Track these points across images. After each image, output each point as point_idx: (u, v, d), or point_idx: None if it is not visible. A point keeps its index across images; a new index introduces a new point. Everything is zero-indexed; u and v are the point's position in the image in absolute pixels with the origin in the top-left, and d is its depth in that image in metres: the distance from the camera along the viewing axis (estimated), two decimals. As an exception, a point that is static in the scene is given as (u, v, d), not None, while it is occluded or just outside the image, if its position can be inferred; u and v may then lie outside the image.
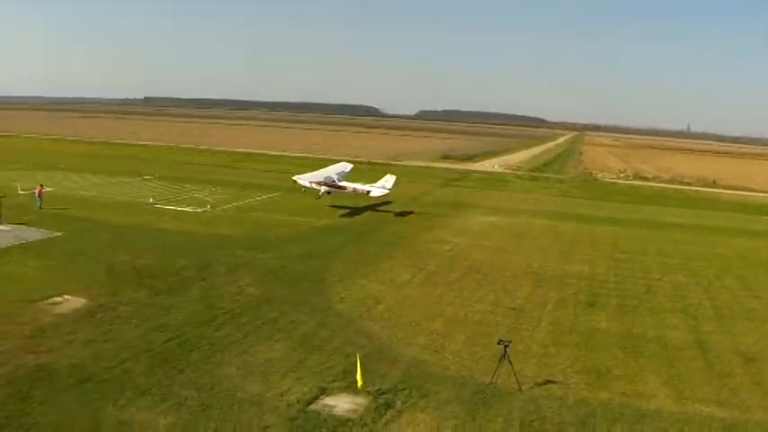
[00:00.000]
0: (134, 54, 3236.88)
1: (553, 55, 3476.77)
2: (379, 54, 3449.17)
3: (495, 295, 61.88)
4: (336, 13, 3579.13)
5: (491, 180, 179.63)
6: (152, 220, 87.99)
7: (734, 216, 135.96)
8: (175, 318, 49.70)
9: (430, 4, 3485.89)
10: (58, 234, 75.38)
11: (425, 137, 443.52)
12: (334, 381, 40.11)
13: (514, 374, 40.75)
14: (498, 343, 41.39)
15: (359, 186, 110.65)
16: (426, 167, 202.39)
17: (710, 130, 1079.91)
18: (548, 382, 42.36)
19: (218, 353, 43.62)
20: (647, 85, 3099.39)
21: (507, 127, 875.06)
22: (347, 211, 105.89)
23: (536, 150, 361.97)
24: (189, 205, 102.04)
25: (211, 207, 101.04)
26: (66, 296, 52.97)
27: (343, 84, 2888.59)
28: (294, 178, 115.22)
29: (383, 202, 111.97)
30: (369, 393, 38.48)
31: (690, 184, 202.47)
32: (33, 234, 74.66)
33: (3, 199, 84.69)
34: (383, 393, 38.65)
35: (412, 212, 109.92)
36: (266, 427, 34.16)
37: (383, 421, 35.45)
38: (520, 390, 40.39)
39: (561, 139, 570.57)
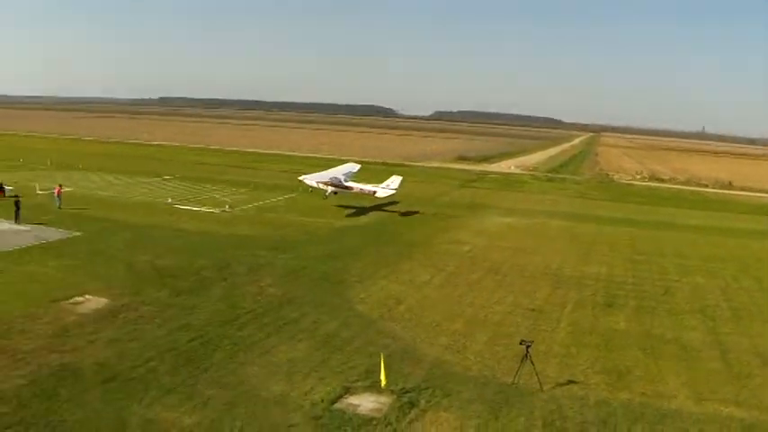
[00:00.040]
0: (148, 54, 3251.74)
1: (568, 56, 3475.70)
2: (394, 54, 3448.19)
3: (514, 296, 62.06)
4: (350, 12, 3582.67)
5: (508, 181, 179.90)
6: (171, 221, 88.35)
7: (750, 218, 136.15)
8: (198, 317, 50.03)
9: (445, 4, 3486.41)
10: (78, 234, 75.63)
11: (441, 138, 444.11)
12: (357, 380, 40.32)
13: (536, 374, 40.95)
14: (520, 343, 41.68)
15: (365, 187, 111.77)
16: (443, 168, 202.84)
17: (726, 131, 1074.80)
18: (569, 382, 42.57)
19: (241, 352, 43.88)
20: (661, 87, 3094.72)
21: (522, 128, 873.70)
22: (363, 212, 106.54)
23: (552, 151, 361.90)
24: (207, 205, 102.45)
25: (230, 207, 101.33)
26: (87, 296, 53.25)
27: (357, 84, 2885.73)
28: (301, 178, 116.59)
29: (390, 202, 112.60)
30: (392, 392, 38.72)
31: (706, 185, 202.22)
32: (53, 234, 74.93)
33: (22, 199, 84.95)
34: (407, 392, 38.86)
35: (417, 213, 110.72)
36: (291, 426, 34.38)
37: (407, 420, 35.65)
38: (541, 389, 40.59)
39: (577, 141, 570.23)
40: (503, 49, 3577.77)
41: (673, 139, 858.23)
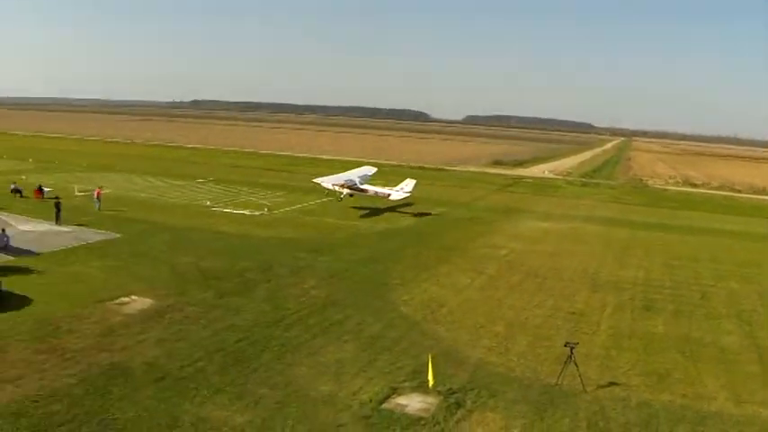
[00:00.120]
0: (182, 57, 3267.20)
1: (599, 59, 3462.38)
2: (429, 58, 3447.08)
3: (554, 300, 62.37)
4: (381, 13, 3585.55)
5: (542, 186, 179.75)
6: (210, 223, 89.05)
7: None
8: (244, 318, 50.55)
9: (476, 8, 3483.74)
10: (119, 236, 76.50)
11: (474, 142, 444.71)
12: (404, 381, 40.74)
13: (579, 376, 41.31)
14: (565, 345, 41.99)
15: (380, 189, 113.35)
16: (478, 173, 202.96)
17: (758, 136, 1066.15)
18: (610, 383, 42.85)
19: (288, 353, 44.33)
20: (694, 91, 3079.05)
21: (554, 132, 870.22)
22: (379, 213, 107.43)
23: (585, 156, 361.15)
24: (246, 208, 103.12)
25: (268, 210, 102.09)
26: (133, 296, 53.95)
27: (392, 88, 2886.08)
28: (315, 180, 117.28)
29: (405, 203, 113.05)
30: (439, 393, 39.04)
31: (740, 191, 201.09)
32: (93, 235, 75.76)
33: (61, 201, 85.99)
34: (453, 393, 39.20)
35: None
36: (341, 425, 34.80)
37: (454, 420, 36.01)
38: (585, 391, 40.94)
39: (609, 145, 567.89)
40: (534, 52, 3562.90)
41: (705, 143, 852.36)
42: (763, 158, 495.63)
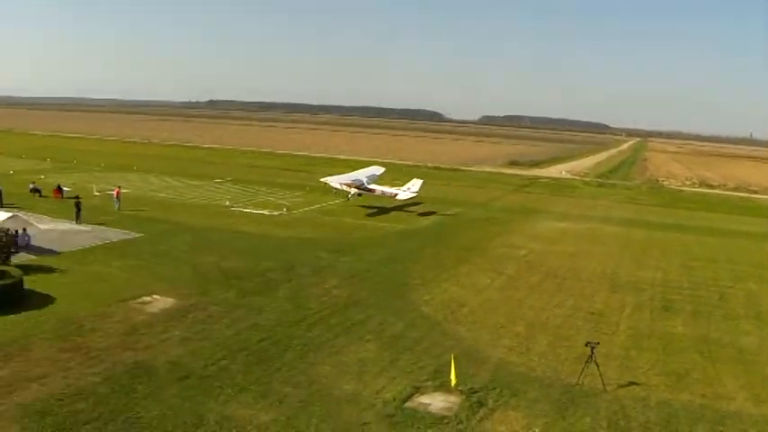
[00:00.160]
0: (199, 57, 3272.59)
1: (613, 61, 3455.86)
2: (441, 59, 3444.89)
3: (573, 300, 62.57)
4: (401, 21, 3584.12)
5: (559, 186, 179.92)
6: (230, 223, 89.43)
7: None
8: (266, 318, 50.81)
9: (489, 10, 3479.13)
10: (139, 235, 76.90)
11: (489, 142, 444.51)
12: (427, 380, 40.95)
13: (600, 376, 41.45)
14: (586, 345, 42.14)
15: (387, 189, 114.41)
16: (494, 173, 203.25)
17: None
18: (630, 383, 43.01)
19: (311, 352, 44.60)
20: (709, 92, 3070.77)
21: (569, 133, 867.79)
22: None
23: (601, 156, 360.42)
24: (265, 208, 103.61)
25: (287, 210, 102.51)
26: (155, 296, 54.25)
27: (406, 88, 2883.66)
28: (323, 179, 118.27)
29: (413, 203, 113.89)
30: (461, 392, 39.28)
31: (756, 191, 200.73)
32: (114, 235, 76.22)
33: (81, 200, 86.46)
34: (475, 392, 39.41)
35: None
36: (365, 424, 35.03)
37: (477, 418, 36.23)
38: (605, 390, 41.10)
39: (625, 146, 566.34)
40: (548, 52, 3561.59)
41: (720, 144, 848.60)
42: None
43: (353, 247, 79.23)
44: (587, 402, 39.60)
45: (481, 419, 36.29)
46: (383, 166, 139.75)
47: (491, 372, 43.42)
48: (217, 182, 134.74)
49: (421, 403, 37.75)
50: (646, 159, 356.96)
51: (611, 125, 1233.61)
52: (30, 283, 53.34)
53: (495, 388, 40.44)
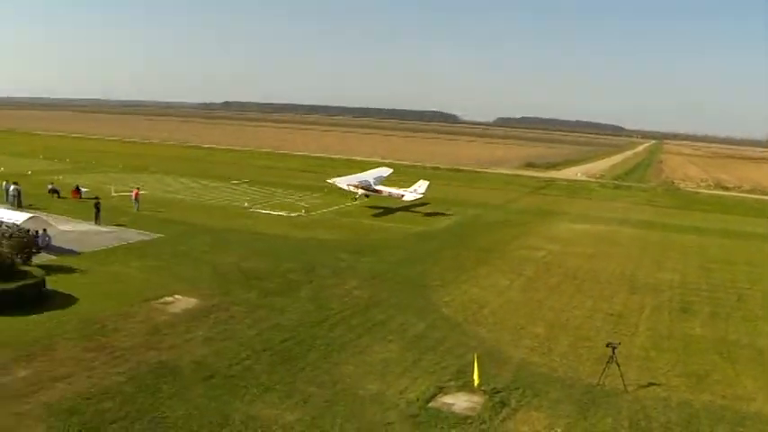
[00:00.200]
0: (215, 59, 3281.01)
1: (628, 63, 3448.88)
2: (456, 61, 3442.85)
3: (592, 301, 62.77)
4: (415, 22, 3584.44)
5: (575, 188, 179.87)
6: (249, 224, 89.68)
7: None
8: (288, 318, 51.08)
9: (504, 13, 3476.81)
10: (159, 236, 77.20)
11: (505, 144, 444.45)
12: (449, 380, 41.20)
13: (621, 376, 41.62)
14: (607, 345, 42.34)
15: (393, 191, 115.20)
16: (511, 175, 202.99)
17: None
18: (650, 384, 43.17)
19: (334, 352, 44.88)
20: (725, 94, 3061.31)
21: (585, 135, 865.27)
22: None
23: (617, 159, 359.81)
24: (283, 210, 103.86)
25: (306, 212, 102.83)
26: (176, 296, 54.53)
27: (422, 91, 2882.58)
28: (330, 180, 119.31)
29: (421, 203, 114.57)
30: (484, 392, 39.52)
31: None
32: (134, 236, 76.54)
33: (101, 201, 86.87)
34: (498, 392, 39.62)
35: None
36: (389, 424, 35.26)
37: (500, 418, 36.45)
38: (626, 391, 41.27)
39: (640, 148, 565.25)
40: (562, 55, 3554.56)
41: (736, 146, 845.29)
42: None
43: (373, 248, 79.50)
44: (608, 403, 39.78)
45: (504, 419, 36.50)
46: (399, 168, 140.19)
47: (513, 372, 43.67)
48: (234, 183, 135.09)
49: (444, 403, 37.99)
50: (661, 162, 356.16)
51: (626, 127, 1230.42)
52: (51, 283, 53.65)
53: (517, 388, 40.68)
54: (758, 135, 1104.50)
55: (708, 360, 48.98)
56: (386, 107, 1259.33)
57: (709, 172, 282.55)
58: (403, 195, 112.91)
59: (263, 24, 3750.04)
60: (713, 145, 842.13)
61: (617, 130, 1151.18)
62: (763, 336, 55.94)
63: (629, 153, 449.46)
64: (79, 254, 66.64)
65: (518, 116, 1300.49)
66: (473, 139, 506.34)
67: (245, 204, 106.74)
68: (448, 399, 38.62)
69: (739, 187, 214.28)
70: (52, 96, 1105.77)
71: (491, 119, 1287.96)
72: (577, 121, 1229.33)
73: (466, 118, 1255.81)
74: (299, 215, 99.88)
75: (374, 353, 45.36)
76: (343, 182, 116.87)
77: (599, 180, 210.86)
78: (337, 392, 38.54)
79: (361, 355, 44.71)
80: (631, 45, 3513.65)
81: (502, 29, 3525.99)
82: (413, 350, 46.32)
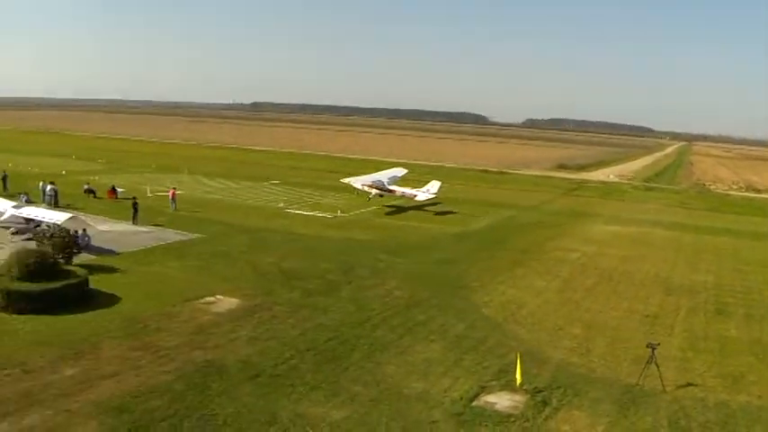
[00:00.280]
0: (242, 59, 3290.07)
1: (657, 64, 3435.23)
2: (486, 62, 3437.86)
3: (628, 302, 63.01)
4: (445, 23, 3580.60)
5: (607, 190, 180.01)
6: (285, 224, 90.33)
7: None
8: (331, 318, 51.64)
9: (533, 14, 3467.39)
10: (197, 236, 77.82)
11: (535, 145, 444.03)
12: (491, 379, 41.69)
13: (660, 376, 41.98)
14: (647, 346, 42.68)
15: (407, 191, 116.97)
16: (543, 177, 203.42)
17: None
18: (688, 384, 43.51)
19: (377, 352, 45.42)
20: (756, 94, 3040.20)
21: (615, 136, 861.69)
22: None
23: (647, 160, 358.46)
24: (318, 210, 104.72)
25: (341, 212, 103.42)
26: (218, 296, 55.08)
27: (451, 92, 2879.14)
28: (344, 180, 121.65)
29: (433, 202, 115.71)
30: (526, 391, 40.03)
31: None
32: (172, 236, 77.24)
33: (138, 201, 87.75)
34: (539, 391, 40.09)
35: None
36: (434, 422, 35.71)
37: (542, 417, 36.93)
38: (664, 391, 41.64)
39: (670, 149, 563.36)
40: (588, 56, 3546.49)
41: (766, 147, 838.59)
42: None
43: (409, 249, 79.98)
44: (648, 402, 40.14)
45: (546, 418, 36.97)
46: (430, 169, 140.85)
47: (553, 372, 44.11)
48: (267, 183, 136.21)
49: (487, 402, 38.45)
50: (692, 163, 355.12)
51: (655, 128, 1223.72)
52: (93, 282, 54.16)
53: (558, 387, 41.10)
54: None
55: (743, 361, 49.20)
56: (414, 108, 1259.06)
57: (739, 174, 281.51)
58: (416, 195, 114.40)
59: (293, 24, 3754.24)
60: (743, 147, 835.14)
61: (645, 132, 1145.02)
62: (799, 338, 55.96)
63: (658, 154, 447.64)
64: (118, 254, 67.31)
65: (546, 118, 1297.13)
66: (503, 140, 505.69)
67: (280, 205, 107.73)
68: (491, 398, 39.08)
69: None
70: (77, 97, 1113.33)
71: (520, 120, 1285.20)
72: (605, 123, 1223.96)
73: (495, 119, 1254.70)
74: (334, 216, 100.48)
75: (416, 352, 45.86)
76: (357, 182, 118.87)
77: (630, 182, 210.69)
78: (382, 391, 39.08)
79: (404, 355, 45.25)
80: (658, 46, 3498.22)
81: (533, 30, 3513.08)
82: (454, 350, 46.81)
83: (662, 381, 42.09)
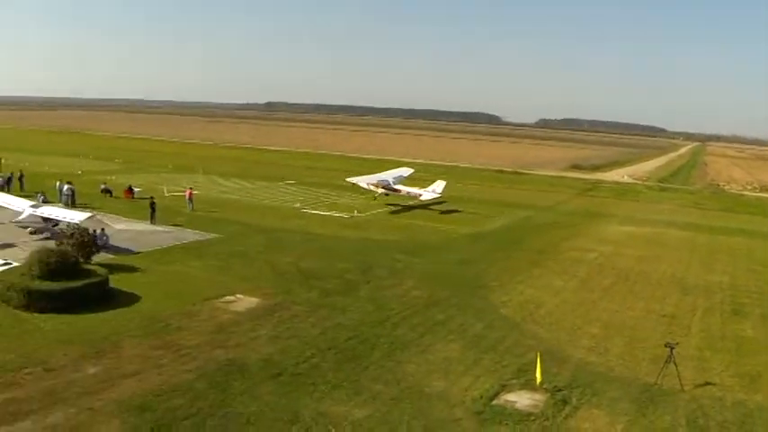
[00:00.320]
0: (255, 60, 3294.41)
1: (670, 64, 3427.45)
2: (499, 62, 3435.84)
3: (645, 302, 63.18)
4: (458, 23, 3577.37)
5: (622, 190, 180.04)
6: (302, 224, 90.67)
7: None
8: (350, 317, 51.96)
9: (548, 14, 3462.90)
10: (215, 236, 78.16)
11: (548, 145, 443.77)
12: (511, 378, 41.96)
13: (678, 376, 42.22)
14: (665, 345, 42.92)
15: (412, 190, 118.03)
16: (557, 177, 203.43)
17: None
18: (706, 383, 43.67)
19: (397, 351, 45.72)
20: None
21: (627, 136, 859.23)
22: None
23: (661, 161, 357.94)
24: (334, 210, 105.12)
25: (358, 212, 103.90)
26: (238, 295, 55.41)
27: (464, 92, 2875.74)
28: (349, 179, 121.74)
29: (438, 201, 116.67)
30: (546, 390, 40.33)
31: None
32: (190, 235, 77.61)
33: (156, 201, 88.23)
34: (559, 390, 40.40)
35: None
36: (456, 420, 36.00)
37: (563, 416, 37.22)
38: (682, 390, 41.86)
39: (683, 150, 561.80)
40: (603, 54, 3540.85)
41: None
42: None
43: (425, 249, 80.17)
44: (666, 401, 40.36)
45: (566, 417, 37.26)
46: (445, 169, 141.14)
47: (572, 371, 44.34)
48: (282, 183, 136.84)
49: (508, 400, 38.72)
50: (706, 164, 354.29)
51: (669, 128, 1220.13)
52: (113, 281, 54.54)
53: (577, 386, 41.38)
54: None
55: (760, 361, 49.26)
56: (431, 108, 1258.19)
57: (753, 174, 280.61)
58: (421, 195, 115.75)
59: (313, 23, 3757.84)
60: (756, 147, 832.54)
61: (658, 132, 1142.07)
62: (815, 338, 56.05)
63: (672, 155, 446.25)
64: (137, 253, 67.70)
65: (559, 117, 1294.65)
66: (517, 140, 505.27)
67: (297, 205, 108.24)
68: (511, 396, 39.37)
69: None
70: (102, 97, 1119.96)
71: (532, 120, 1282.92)
72: (618, 123, 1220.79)
73: (508, 119, 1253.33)
74: (351, 216, 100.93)
75: (436, 351, 46.13)
76: (362, 181, 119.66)
77: (645, 182, 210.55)
78: (403, 390, 39.36)
79: (424, 354, 45.51)
80: (672, 46, 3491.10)
81: (544, 30, 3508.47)
82: (474, 349, 47.08)
83: (680, 380, 42.36)
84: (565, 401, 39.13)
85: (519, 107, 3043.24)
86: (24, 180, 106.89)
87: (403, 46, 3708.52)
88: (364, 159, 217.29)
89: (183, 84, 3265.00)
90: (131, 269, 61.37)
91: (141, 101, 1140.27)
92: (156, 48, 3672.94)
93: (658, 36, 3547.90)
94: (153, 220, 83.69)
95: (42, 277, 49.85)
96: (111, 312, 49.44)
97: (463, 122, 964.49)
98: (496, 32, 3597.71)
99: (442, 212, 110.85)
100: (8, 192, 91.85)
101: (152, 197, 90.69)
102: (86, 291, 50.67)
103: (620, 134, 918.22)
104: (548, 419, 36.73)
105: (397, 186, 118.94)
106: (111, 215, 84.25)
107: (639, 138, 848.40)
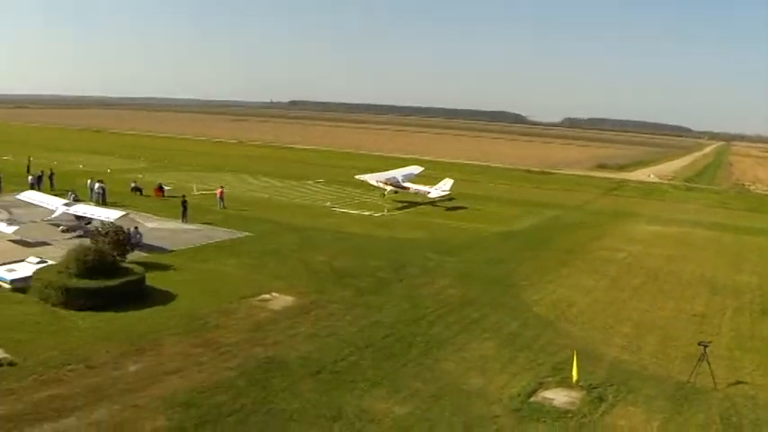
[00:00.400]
0: (279, 58, 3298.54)
1: (696, 64, 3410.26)
2: (524, 62, 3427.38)
3: (675, 302, 63.55)
4: (482, 24, 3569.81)
5: (648, 190, 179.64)
6: (333, 223, 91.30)
7: None
8: (386, 316, 52.55)
9: (574, 14, 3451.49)
10: (247, 234, 78.79)
11: (575, 145, 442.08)
12: (547, 376, 42.49)
13: (711, 374, 42.67)
14: (699, 344, 43.55)
15: (420, 188, 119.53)
16: (584, 177, 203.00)
17: None
18: (738, 382, 44.09)
19: (434, 349, 46.24)
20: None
21: (652, 136, 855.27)
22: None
23: (686, 160, 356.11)
24: (364, 209, 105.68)
25: (388, 211, 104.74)
26: (274, 293, 55.96)
27: (490, 91, 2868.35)
28: (358, 177, 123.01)
29: (447, 199, 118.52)
30: (582, 388, 40.86)
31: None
32: (222, 234, 78.26)
33: (187, 199, 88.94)
34: (595, 388, 40.89)
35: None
36: (495, 417, 36.51)
37: (599, 413, 37.76)
38: (715, 388, 42.33)
39: (708, 149, 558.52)
40: (628, 57, 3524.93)
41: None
42: None
43: (456, 248, 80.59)
44: (700, 399, 40.87)
45: (603, 414, 37.79)
46: (473, 169, 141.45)
47: (606, 369, 44.85)
48: (311, 182, 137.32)
49: (545, 398, 39.28)
50: (731, 164, 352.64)
51: (693, 128, 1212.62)
52: (148, 279, 55.12)
53: (612, 384, 41.87)
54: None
55: (791, 361, 49.64)
56: (452, 107, 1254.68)
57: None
58: (429, 192, 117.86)
59: (324, 24, 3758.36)
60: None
61: (683, 131, 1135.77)
62: None
63: (697, 155, 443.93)
64: (171, 251, 68.38)
65: (585, 117, 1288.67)
66: (545, 140, 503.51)
67: (328, 203, 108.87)
68: (548, 394, 39.90)
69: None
70: (129, 95, 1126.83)
71: (558, 119, 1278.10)
72: (642, 122, 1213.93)
73: (534, 118, 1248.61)
74: (381, 215, 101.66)
75: (472, 349, 46.66)
76: (373, 178, 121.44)
77: (671, 182, 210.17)
78: (441, 387, 39.90)
79: (460, 352, 46.04)
80: (697, 47, 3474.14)
81: (570, 30, 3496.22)
82: (509, 347, 47.64)
83: (714, 378, 42.84)
84: (601, 399, 39.67)
85: (544, 106, 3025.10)
86: (54, 178, 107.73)
87: (410, 46, 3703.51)
88: (403, 159, 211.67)
89: (205, 82, 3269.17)
90: (166, 267, 62.04)
91: (163, 99, 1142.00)
92: (177, 47, 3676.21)
93: (682, 37, 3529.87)
94: (185, 218, 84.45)
95: (80, 275, 50.50)
96: (147, 310, 50.07)
97: (491, 121, 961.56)
98: (526, 32, 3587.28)
99: (472, 211, 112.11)
100: (39, 190, 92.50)
101: (184, 195, 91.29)
102: (124, 289, 51.34)
103: (647, 134, 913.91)
104: (585, 416, 37.26)
105: (405, 184, 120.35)
106: (142, 213, 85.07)
107: (664, 137, 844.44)
